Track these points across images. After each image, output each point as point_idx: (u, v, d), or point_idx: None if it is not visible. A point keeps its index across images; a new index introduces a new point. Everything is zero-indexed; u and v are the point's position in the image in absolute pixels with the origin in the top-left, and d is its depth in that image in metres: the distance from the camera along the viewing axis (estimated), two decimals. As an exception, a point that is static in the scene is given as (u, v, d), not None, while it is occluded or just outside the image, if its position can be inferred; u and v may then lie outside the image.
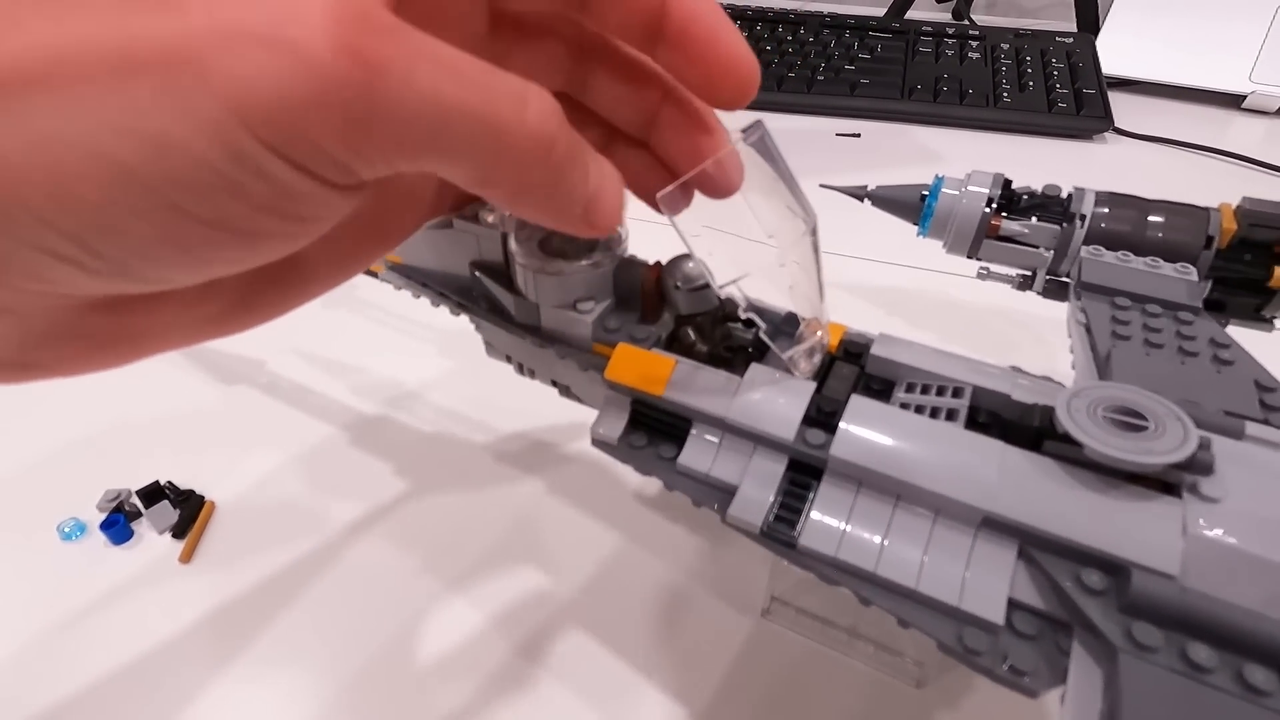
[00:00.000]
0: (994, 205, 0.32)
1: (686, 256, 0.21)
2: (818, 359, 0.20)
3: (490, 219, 0.22)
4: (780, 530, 0.18)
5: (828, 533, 0.17)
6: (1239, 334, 0.24)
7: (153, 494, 0.31)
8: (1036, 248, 0.31)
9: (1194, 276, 0.27)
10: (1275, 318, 0.29)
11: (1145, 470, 0.16)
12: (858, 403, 0.18)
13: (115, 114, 0.10)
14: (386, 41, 0.10)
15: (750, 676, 0.26)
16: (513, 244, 0.22)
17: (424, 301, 0.27)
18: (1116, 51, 0.68)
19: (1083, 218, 0.30)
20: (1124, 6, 0.70)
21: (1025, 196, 0.32)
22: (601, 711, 0.25)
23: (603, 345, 0.21)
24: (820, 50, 0.70)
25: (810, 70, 0.67)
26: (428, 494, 0.32)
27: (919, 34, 0.71)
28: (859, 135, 0.62)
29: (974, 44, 0.70)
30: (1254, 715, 0.13)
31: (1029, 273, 0.33)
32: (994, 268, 0.34)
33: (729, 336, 0.22)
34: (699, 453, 0.19)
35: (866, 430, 0.18)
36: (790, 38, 0.72)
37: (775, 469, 0.19)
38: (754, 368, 0.20)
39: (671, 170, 0.17)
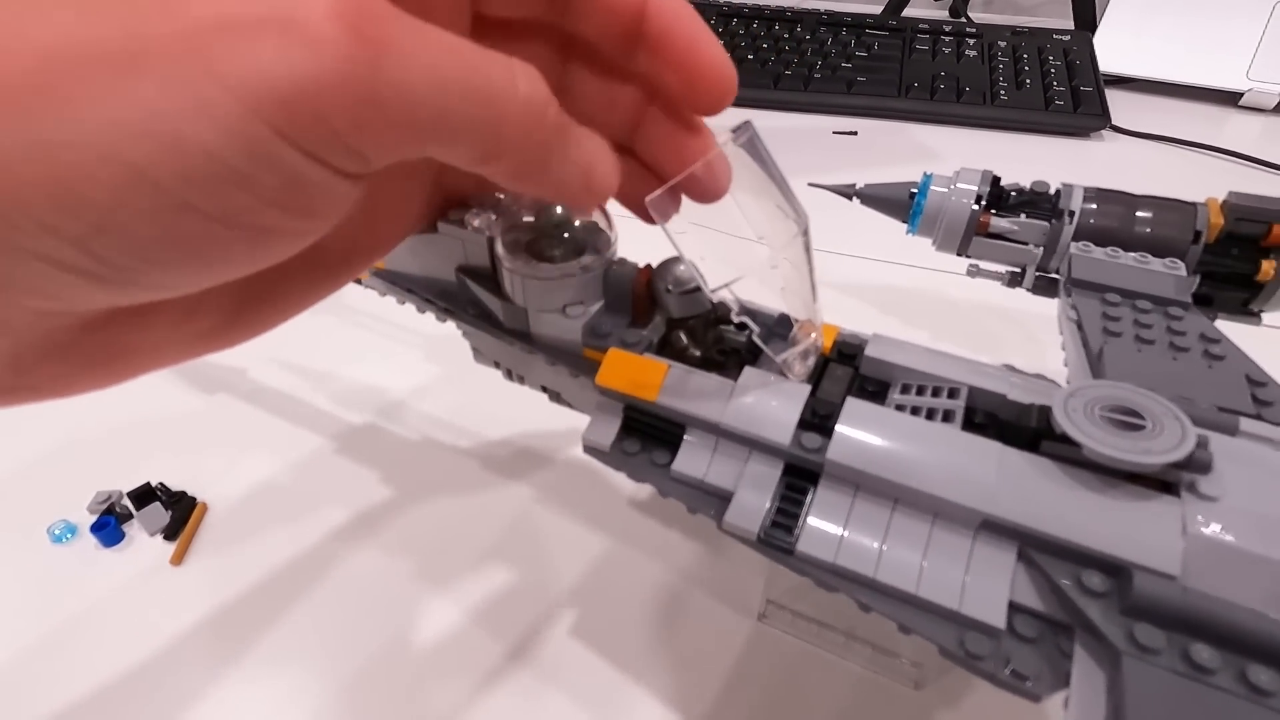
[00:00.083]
0: (983, 202, 0.32)
1: (677, 259, 0.21)
2: (812, 361, 0.19)
3: (476, 223, 0.22)
4: (777, 536, 0.17)
5: (825, 538, 0.17)
6: (1227, 328, 0.24)
7: (144, 496, 0.30)
8: (1026, 244, 0.31)
9: (1183, 271, 0.27)
10: (1263, 311, 0.29)
11: (1144, 470, 0.15)
12: (853, 405, 0.18)
13: (123, 113, 0.09)
14: (387, 22, 0.11)
15: (746, 680, 0.25)
16: (499, 248, 0.21)
17: (409, 307, 0.26)
18: (1113, 49, 0.68)
19: (1071, 214, 0.30)
20: (1121, 4, 0.71)
21: (1014, 193, 0.32)
22: (596, 716, 0.24)
23: (593, 350, 0.21)
24: (817, 48, 0.70)
25: (807, 68, 0.67)
26: (418, 500, 0.32)
27: (916, 31, 0.71)
28: (856, 133, 0.62)
29: (971, 41, 0.70)
30: (1258, 716, 0.13)
31: (1018, 269, 0.33)
32: (984, 265, 0.34)
33: (721, 340, 0.21)
34: (693, 459, 0.19)
35: (863, 433, 0.18)
36: (787, 35, 0.71)
37: (771, 474, 0.18)
38: (747, 371, 0.19)
39: (658, 175, 0.17)
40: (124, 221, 0.10)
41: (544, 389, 0.25)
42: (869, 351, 0.20)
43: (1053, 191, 0.31)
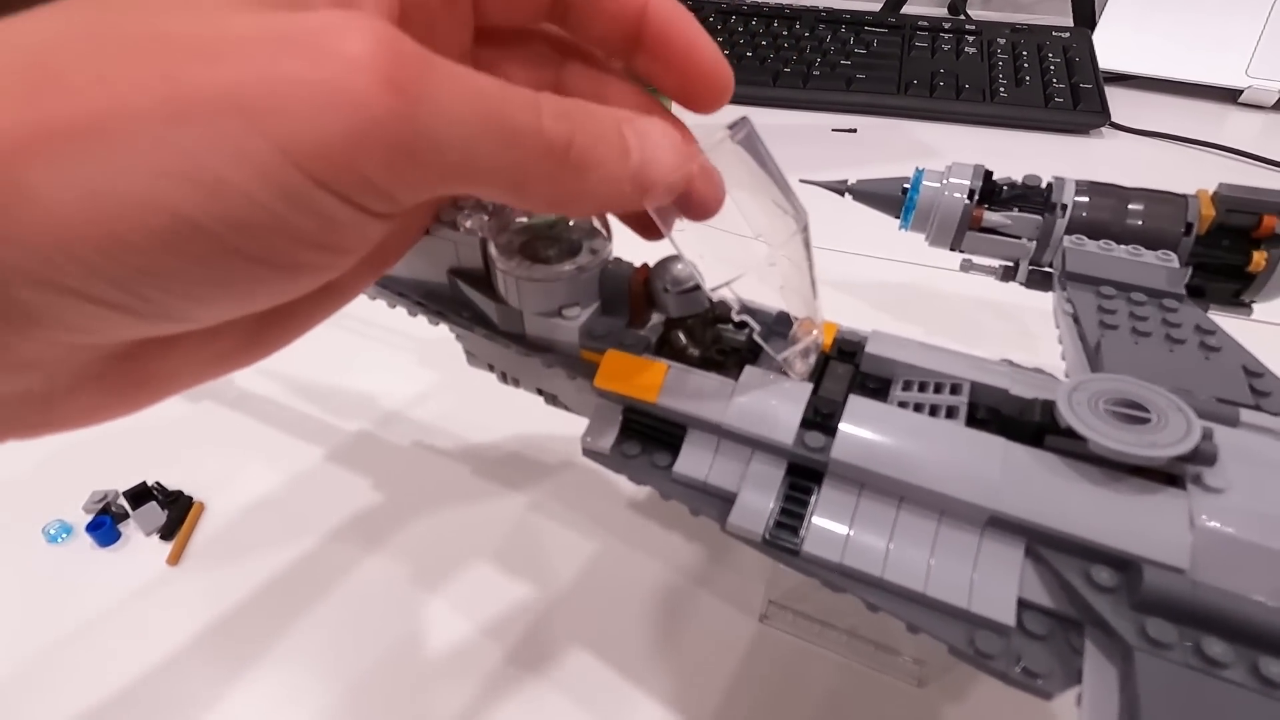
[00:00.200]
0: (975, 197, 0.32)
1: (675, 258, 0.20)
2: (813, 359, 0.19)
3: (468, 224, 0.21)
4: (783, 537, 0.17)
5: (831, 538, 0.17)
6: (1218, 320, 0.24)
7: (140, 495, 0.30)
8: (1019, 238, 0.31)
9: (1175, 263, 0.27)
10: (1254, 302, 0.30)
11: (1151, 463, 0.15)
12: (856, 403, 0.18)
13: (168, 162, 0.10)
14: (418, 69, 0.11)
15: (749, 681, 0.25)
16: (493, 250, 0.21)
17: (401, 311, 0.26)
18: (1113, 46, 0.68)
19: (1064, 207, 0.30)
20: (1120, 1, 0.71)
21: (1006, 188, 0.32)
22: (599, 717, 0.24)
23: (590, 352, 0.21)
24: (816, 45, 0.70)
25: (806, 65, 0.67)
26: (416, 502, 0.31)
27: (915, 29, 0.71)
28: (855, 130, 0.62)
29: (970, 39, 0.70)
30: (1272, 710, 0.13)
31: (1012, 264, 0.33)
32: (977, 259, 0.34)
33: (720, 339, 0.21)
34: (695, 460, 0.19)
35: (866, 431, 0.17)
36: (786, 32, 0.71)
37: (774, 474, 0.18)
38: (748, 370, 0.19)
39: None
40: (167, 264, 0.10)
41: (540, 392, 0.25)
42: (870, 348, 0.20)
43: (1045, 185, 0.31)
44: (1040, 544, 0.16)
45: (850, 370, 0.19)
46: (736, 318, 0.18)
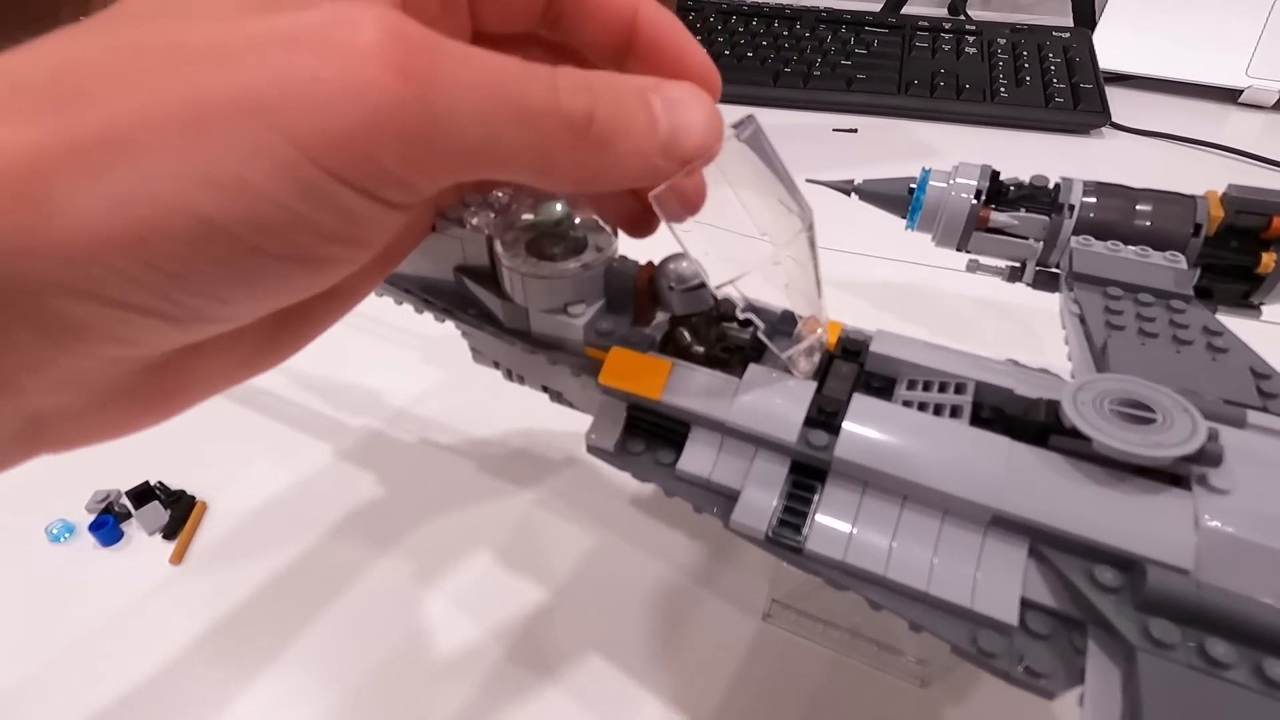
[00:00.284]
0: (982, 197, 0.31)
1: (679, 256, 0.20)
2: (817, 358, 0.19)
3: (475, 221, 0.21)
4: (786, 535, 0.17)
5: (835, 536, 0.17)
6: (1227, 322, 0.24)
7: (143, 494, 0.30)
8: (1026, 239, 0.31)
9: (1183, 264, 0.27)
10: (1263, 304, 0.29)
11: (1156, 464, 0.15)
12: (860, 402, 0.18)
13: (192, 167, 0.10)
14: (428, 55, 0.11)
15: (751, 680, 0.25)
16: (498, 247, 0.21)
17: (407, 308, 0.26)
18: (1113, 46, 0.68)
19: (1071, 208, 0.30)
20: (1120, 1, 0.70)
21: (1013, 188, 0.32)
22: (601, 716, 0.24)
23: (595, 349, 0.21)
24: (816, 45, 0.70)
25: (806, 65, 0.67)
26: (419, 501, 0.31)
27: (915, 29, 0.71)
28: (856, 130, 0.62)
29: (970, 39, 0.70)
30: (1276, 711, 0.13)
31: (1018, 264, 0.33)
32: (983, 260, 0.33)
33: (725, 337, 0.21)
34: (699, 457, 0.19)
35: (870, 430, 0.17)
36: (786, 33, 0.71)
37: (778, 472, 0.18)
38: (752, 368, 0.19)
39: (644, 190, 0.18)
40: (199, 267, 0.11)
41: (545, 389, 0.25)
42: (874, 347, 0.20)
43: (1052, 186, 0.31)
44: (1044, 543, 0.16)
45: (854, 369, 0.19)
46: (741, 315, 0.18)
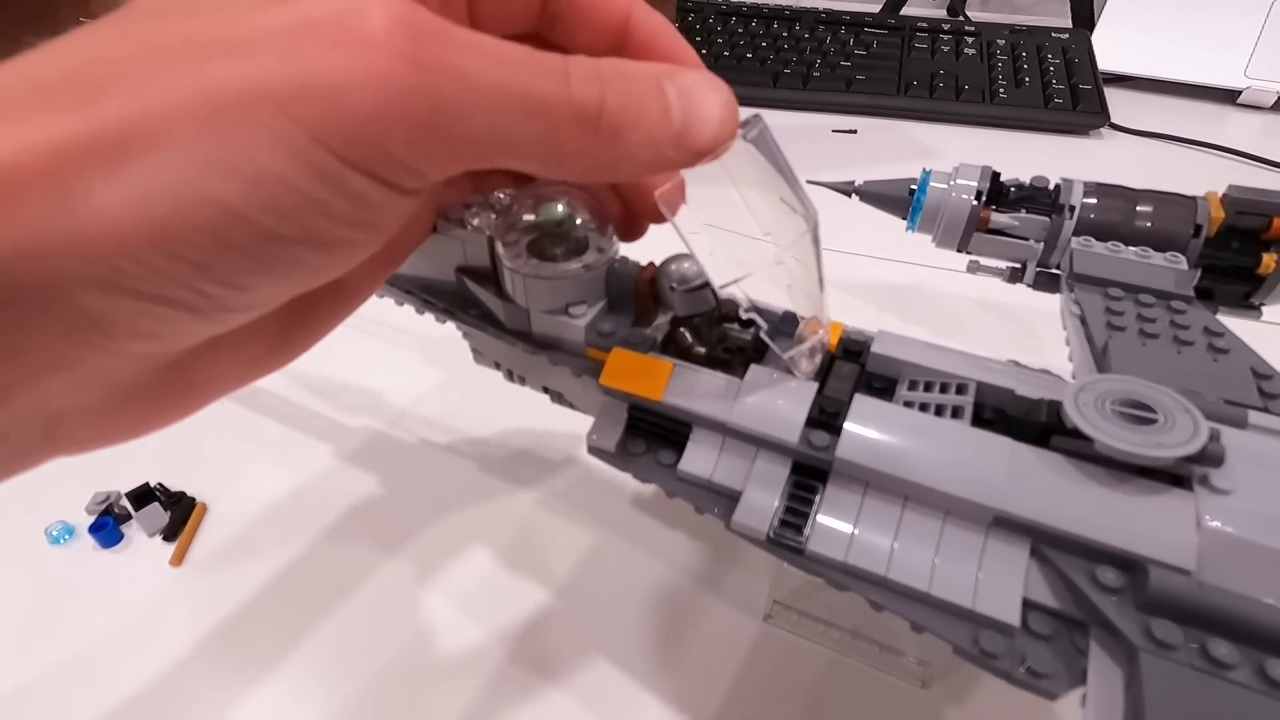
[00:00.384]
0: (983, 198, 0.32)
1: (681, 257, 0.20)
2: (818, 358, 0.19)
3: (476, 222, 0.21)
4: (787, 536, 0.17)
5: (836, 537, 0.17)
6: (1227, 322, 0.24)
7: (143, 496, 0.30)
8: (1026, 240, 0.31)
9: (1184, 265, 0.27)
10: (1264, 305, 0.29)
11: (1158, 464, 0.15)
12: (861, 402, 0.18)
13: (211, 157, 0.10)
14: (437, 43, 0.11)
15: (753, 681, 0.25)
16: (500, 248, 0.21)
17: (408, 308, 0.26)
18: (1112, 47, 0.68)
19: (1071, 209, 0.30)
20: (1119, 2, 0.71)
21: (1013, 189, 0.32)
22: (602, 718, 0.24)
23: (596, 350, 0.21)
24: (815, 46, 0.70)
25: (806, 66, 0.67)
26: (419, 502, 0.31)
27: (914, 30, 0.71)
28: (855, 131, 0.62)
29: (969, 40, 0.70)
30: (1278, 712, 0.13)
31: (1019, 265, 0.33)
32: (984, 261, 0.33)
33: (726, 338, 0.21)
34: (700, 458, 0.19)
35: (871, 430, 0.17)
36: (785, 34, 0.71)
37: (779, 473, 0.18)
38: (754, 369, 0.19)
39: (633, 191, 0.19)
40: (222, 256, 0.11)
41: (546, 390, 0.25)
42: (875, 348, 0.20)
43: (1052, 187, 0.31)
44: (1045, 544, 0.16)
45: (856, 370, 0.19)
46: (744, 315, 0.18)
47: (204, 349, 0.13)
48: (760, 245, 0.16)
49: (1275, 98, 0.65)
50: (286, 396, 0.37)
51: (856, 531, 0.17)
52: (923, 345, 0.20)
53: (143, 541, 0.30)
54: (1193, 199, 0.29)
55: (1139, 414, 0.16)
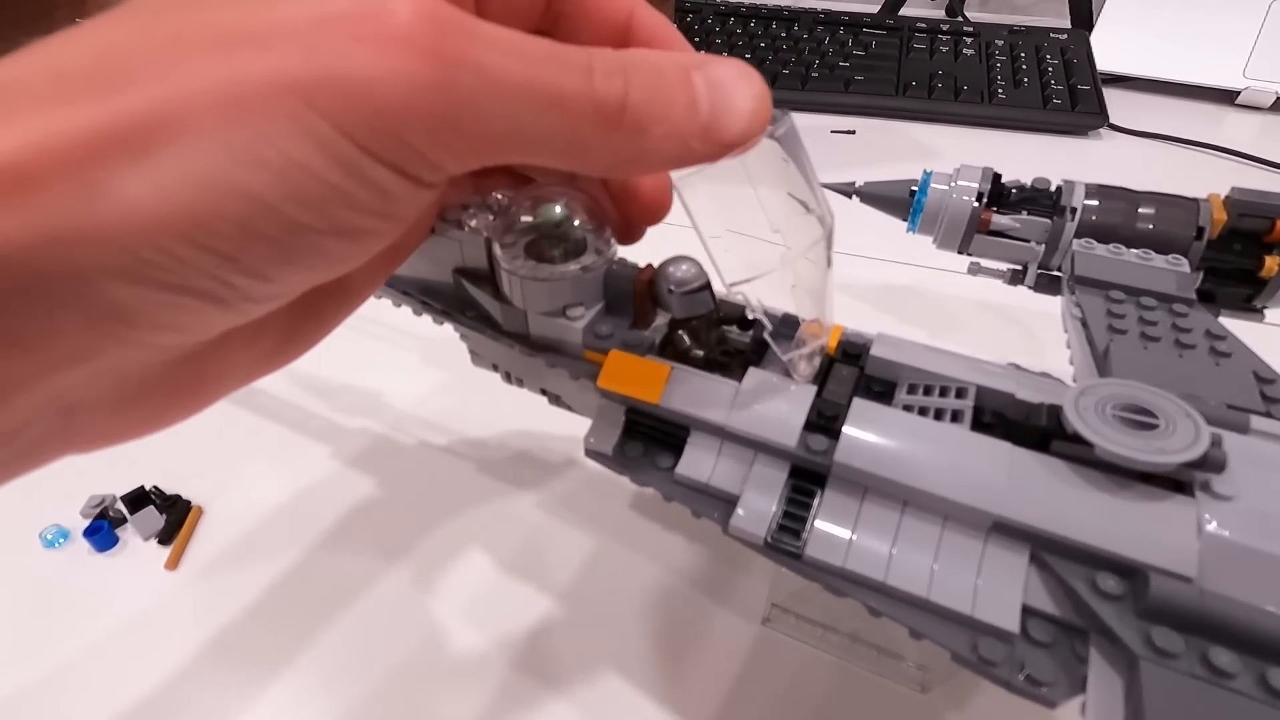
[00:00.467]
0: (984, 200, 0.31)
1: (679, 259, 0.20)
2: (817, 361, 0.19)
3: (473, 224, 0.21)
4: (785, 541, 0.17)
5: (834, 542, 0.17)
6: (1230, 325, 0.24)
7: (138, 499, 0.30)
8: (1027, 242, 0.31)
9: (1186, 268, 0.26)
10: (1266, 308, 0.29)
11: (1159, 470, 0.15)
12: (860, 406, 0.18)
13: (239, 148, 0.10)
14: (459, 39, 0.11)
15: (751, 685, 0.25)
16: (497, 249, 0.21)
17: (406, 310, 0.26)
18: (1110, 48, 0.68)
19: (1073, 210, 0.30)
20: (1117, 3, 0.70)
21: (1014, 190, 0.32)
22: (601, 725, 0.24)
23: (594, 352, 0.21)
24: (814, 47, 0.69)
25: (804, 67, 0.67)
26: (417, 504, 0.31)
27: (913, 30, 0.71)
28: (854, 132, 0.62)
29: (968, 40, 0.70)
30: (1280, 721, 0.13)
31: (1020, 267, 0.33)
32: (985, 263, 0.33)
33: (724, 340, 0.21)
34: (697, 462, 0.19)
35: (870, 434, 0.17)
36: (784, 34, 0.71)
37: (777, 477, 0.18)
38: (752, 372, 0.19)
39: (622, 195, 0.19)
40: (248, 247, 0.11)
41: (544, 392, 0.25)
42: (874, 351, 0.19)
43: (1054, 188, 0.31)
44: (1045, 550, 0.16)
45: (855, 373, 0.19)
46: (751, 315, 0.18)
47: (217, 342, 0.13)
48: (773, 247, 0.16)
49: (1274, 98, 0.65)
50: (284, 397, 0.36)
51: (855, 537, 0.17)
52: (922, 348, 0.20)
53: (138, 545, 0.30)
54: (1195, 201, 0.29)
55: (1140, 419, 0.16)
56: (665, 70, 0.13)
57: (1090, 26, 0.73)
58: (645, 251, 0.21)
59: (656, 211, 0.19)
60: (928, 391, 0.19)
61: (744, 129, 0.13)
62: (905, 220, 0.34)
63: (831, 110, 0.65)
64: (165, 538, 0.30)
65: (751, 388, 0.19)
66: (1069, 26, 0.76)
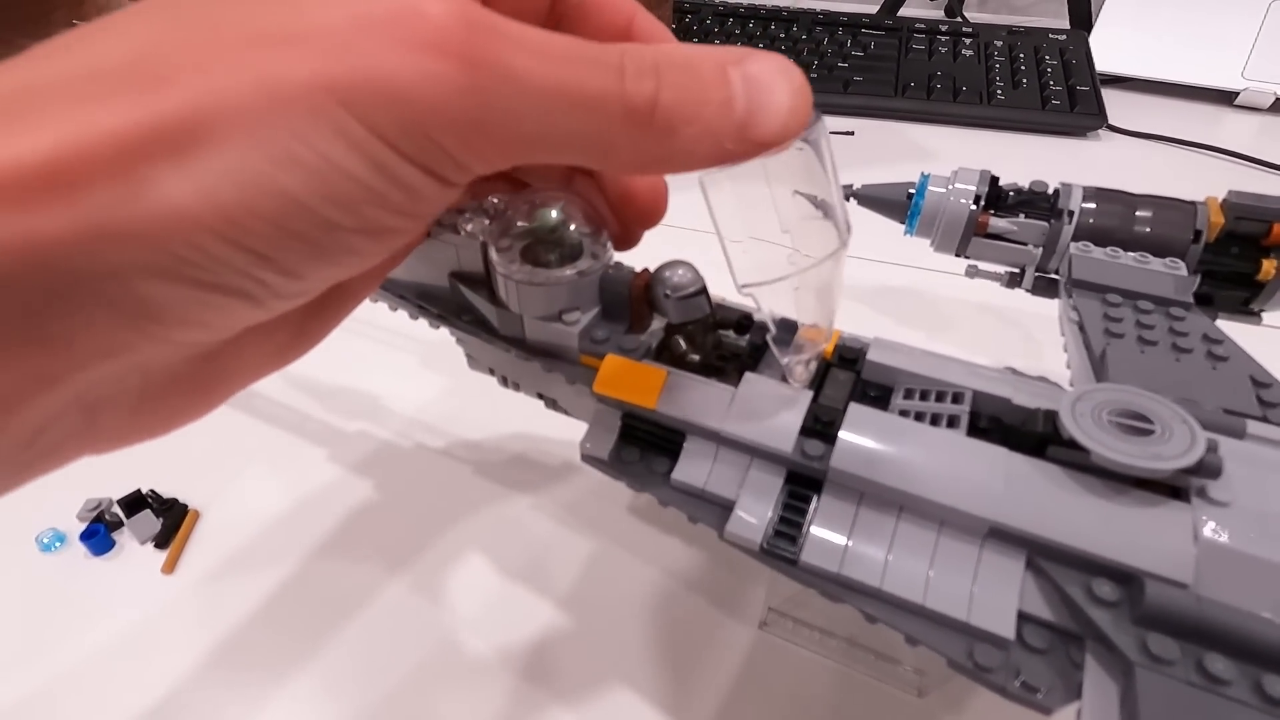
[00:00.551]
0: (981, 202, 0.31)
1: (675, 263, 0.20)
2: (814, 366, 0.19)
3: (469, 228, 0.21)
4: (781, 547, 0.17)
5: (830, 548, 0.17)
6: (1227, 328, 0.24)
7: (135, 503, 0.30)
8: (1025, 245, 0.31)
9: (1183, 271, 0.26)
10: (1263, 311, 0.29)
11: (1154, 475, 0.15)
12: (856, 411, 0.18)
13: (276, 147, 0.10)
14: (490, 41, 0.11)
15: (748, 689, 0.25)
16: (493, 254, 0.21)
17: (402, 314, 0.26)
18: (1109, 48, 0.68)
19: (1070, 214, 0.30)
20: (1116, 3, 0.70)
21: (1012, 193, 0.32)
22: (598, 730, 0.24)
23: (590, 357, 0.21)
24: (813, 48, 0.70)
25: (803, 67, 0.66)
26: (414, 508, 0.31)
27: (912, 31, 0.71)
28: (853, 133, 0.62)
29: (967, 41, 0.70)
30: (1276, 728, 0.13)
31: (1017, 270, 0.33)
32: (982, 265, 0.33)
33: (720, 345, 0.21)
34: (693, 467, 0.19)
35: (866, 440, 0.17)
36: (783, 35, 0.71)
37: (773, 482, 0.18)
38: (748, 377, 0.19)
39: (618, 198, 0.19)
40: (283, 245, 0.11)
41: (540, 396, 0.25)
42: (871, 356, 0.19)
43: (1051, 191, 0.31)
44: (1041, 556, 0.16)
45: (851, 378, 0.19)
46: (758, 318, 0.18)
47: (235, 338, 0.13)
48: (787, 253, 0.16)
49: (1272, 99, 0.65)
50: (281, 400, 0.36)
51: (850, 542, 0.17)
52: (919, 353, 0.20)
53: (134, 549, 0.30)
54: (1192, 204, 0.29)
55: (1136, 424, 0.16)
56: (700, 67, 0.12)
57: (1089, 27, 0.73)
58: (641, 256, 0.21)
59: (652, 214, 0.19)
60: (924, 396, 0.19)
61: (781, 128, 0.13)
62: (903, 223, 0.34)
63: (830, 111, 0.65)
64: (162, 541, 0.30)
65: (747, 393, 0.19)
66: (1068, 27, 0.76)
